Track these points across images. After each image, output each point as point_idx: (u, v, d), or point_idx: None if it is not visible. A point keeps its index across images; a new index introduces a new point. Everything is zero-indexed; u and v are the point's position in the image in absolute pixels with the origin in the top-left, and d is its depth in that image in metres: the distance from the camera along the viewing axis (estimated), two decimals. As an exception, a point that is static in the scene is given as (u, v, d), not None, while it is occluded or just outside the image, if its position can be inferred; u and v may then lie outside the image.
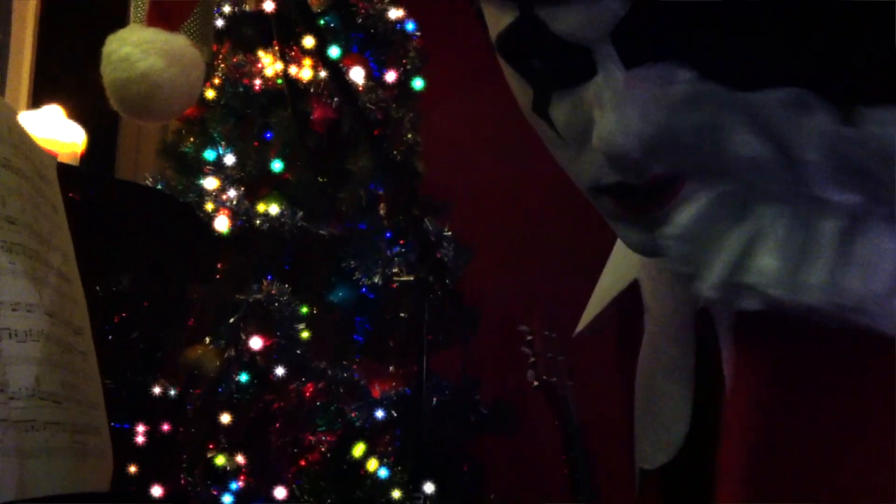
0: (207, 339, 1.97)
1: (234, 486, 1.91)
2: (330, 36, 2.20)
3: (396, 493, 1.99)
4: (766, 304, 0.56)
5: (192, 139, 2.17)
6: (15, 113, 0.88)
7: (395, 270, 2.09)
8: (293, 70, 2.13)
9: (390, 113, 2.21)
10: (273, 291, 1.97)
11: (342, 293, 2.12)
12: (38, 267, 0.75)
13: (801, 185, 0.55)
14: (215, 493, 1.90)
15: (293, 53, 2.15)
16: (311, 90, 2.13)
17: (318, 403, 2.01)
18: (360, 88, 2.14)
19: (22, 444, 0.69)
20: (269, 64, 2.15)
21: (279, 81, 2.12)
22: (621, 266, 0.86)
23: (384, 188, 2.16)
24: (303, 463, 2.00)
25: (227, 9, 2.20)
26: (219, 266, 2.04)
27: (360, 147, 2.11)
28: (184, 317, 1.97)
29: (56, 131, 1.87)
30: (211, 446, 1.92)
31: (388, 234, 2.16)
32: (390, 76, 2.25)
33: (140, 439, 1.85)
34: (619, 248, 0.88)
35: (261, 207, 2.05)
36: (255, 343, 1.95)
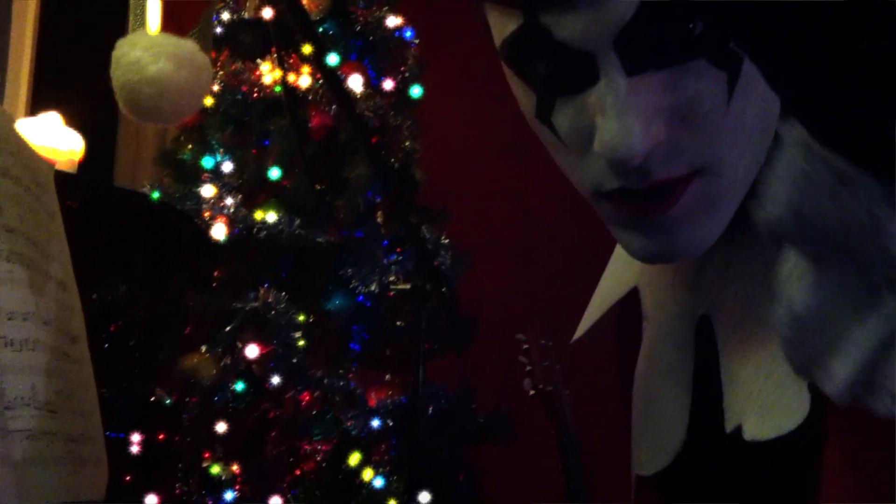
0: (204, 347, 1.97)
1: (229, 495, 1.91)
2: (328, 43, 2.20)
3: (392, 503, 1.98)
4: None
5: (190, 146, 2.17)
6: (13, 121, 0.88)
7: (392, 278, 2.09)
8: (291, 77, 2.13)
9: (388, 120, 2.21)
10: (270, 299, 1.96)
11: (339, 301, 2.12)
12: (36, 275, 0.75)
13: None
14: (211, 502, 1.89)
15: (291, 61, 2.15)
16: (310, 98, 2.13)
17: (314, 412, 2.01)
18: (359, 96, 2.14)
19: (18, 454, 0.69)
20: (268, 71, 2.15)
21: (277, 89, 2.12)
22: (620, 274, 0.86)
23: (382, 196, 2.16)
24: (298, 472, 1.99)
25: (225, 16, 2.20)
26: (215, 274, 2.03)
27: (358, 155, 2.11)
28: (180, 325, 1.97)
29: (54, 139, 1.87)
30: (206, 455, 1.92)
31: (385, 242, 2.15)
32: (388, 84, 2.25)
33: (135, 448, 1.84)
34: (618, 256, 0.88)
35: (258, 215, 2.04)
36: (252, 351, 1.94)
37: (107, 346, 1.62)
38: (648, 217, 0.64)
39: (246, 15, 2.23)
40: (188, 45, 0.83)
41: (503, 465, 2.44)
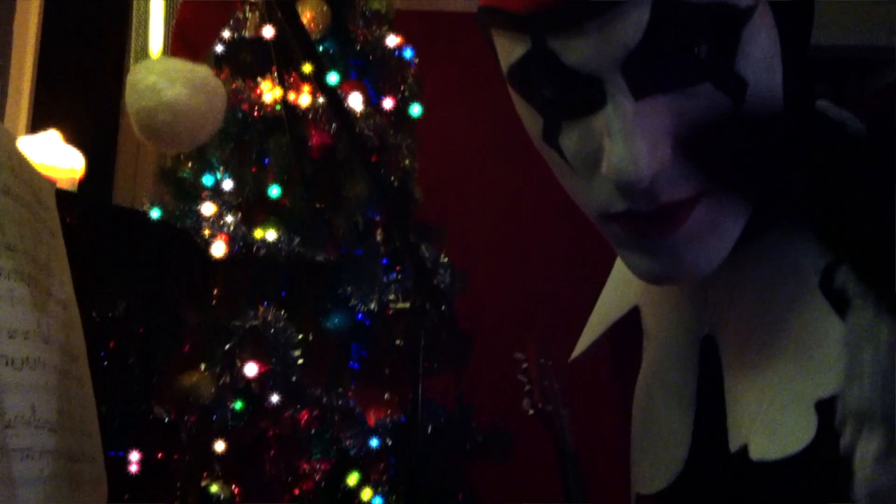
0: (202, 366, 1.96)
1: (227, 513, 1.90)
2: (328, 62, 2.21)
3: (391, 522, 1.97)
4: None
5: (190, 164, 2.17)
6: (14, 139, 0.88)
7: (391, 297, 2.09)
8: (291, 96, 2.14)
9: (387, 139, 2.22)
10: (269, 317, 1.96)
11: (338, 319, 2.11)
12: (37, 294, 0.75)
13: None
14: (209, 520, 1.88)
15: (292, 79, 2.16)
16: (309, 116, 2.14)
17: (312, 431, 2.00)
18: (358, 114, 2.15)
19: (17, 473, 0.69)
20: (268, 90, 2.16)
21: (277, 107, 2.13)
22: (620, 292, 0.86)
23: (381, 214, 2.16)
24: (297, 491, 1.98)
25: (226, 34, 2.22)
26: (214, 291, 2.03)
27: (357, 173, 2.12)
28: (179, 343, 1.96)
29: (54, 157, 1.88)
30: (205, 474, 1.91)
31: (384, 261, 2.15)
32: (388, 102, 2.26)
33: (134, 467, 1.84)
34: (617, 274, 0.88)
35: (258, 233, 2.05)
36: (251, 369, 1.94)
37: (106, 363, 1.62)
38: (655, 238, 0.65)
39: (246, 34, 2.24)
40: (202, 70, 0.84)
41: (502, 482, 2.43)
